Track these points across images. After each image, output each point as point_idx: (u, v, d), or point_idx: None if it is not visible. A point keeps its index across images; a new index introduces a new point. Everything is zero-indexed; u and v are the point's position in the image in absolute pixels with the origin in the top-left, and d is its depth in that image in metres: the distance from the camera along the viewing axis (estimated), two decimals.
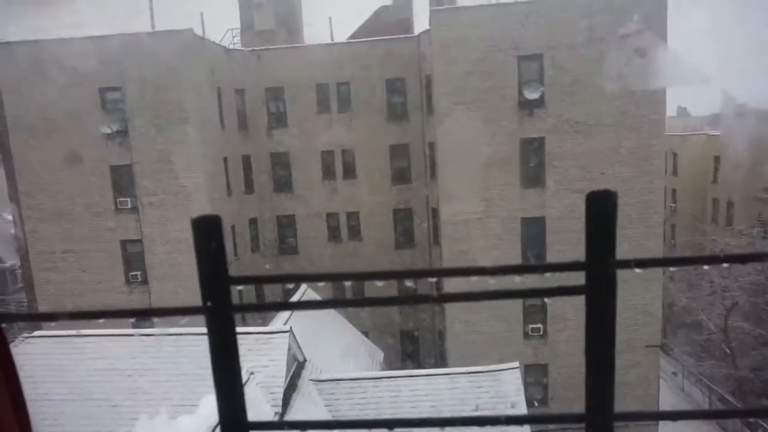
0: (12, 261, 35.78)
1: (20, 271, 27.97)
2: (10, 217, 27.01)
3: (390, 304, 1.18)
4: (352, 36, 28.15)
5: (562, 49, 20.12)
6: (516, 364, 14.90)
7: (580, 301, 0.94)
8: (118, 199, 22.55)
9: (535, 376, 21.69)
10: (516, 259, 21.34)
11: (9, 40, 21.96)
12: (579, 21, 19.78)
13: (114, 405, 12.76)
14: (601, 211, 0.92)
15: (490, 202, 21.35)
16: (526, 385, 17.14)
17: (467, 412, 12.92)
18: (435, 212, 23.64)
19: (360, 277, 1.19)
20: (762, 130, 27.57)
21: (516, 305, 21.11)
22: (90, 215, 22.35)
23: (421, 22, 26.58)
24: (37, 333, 16.68)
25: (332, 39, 28.40)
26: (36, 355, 14.76)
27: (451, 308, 21.74)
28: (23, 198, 22.76)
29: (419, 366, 24.33)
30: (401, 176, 26.03)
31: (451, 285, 16.10)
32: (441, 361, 23.58)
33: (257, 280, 1.21)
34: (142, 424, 12.37)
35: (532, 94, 20.67)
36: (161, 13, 25.83)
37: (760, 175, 28.67)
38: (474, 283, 1.11)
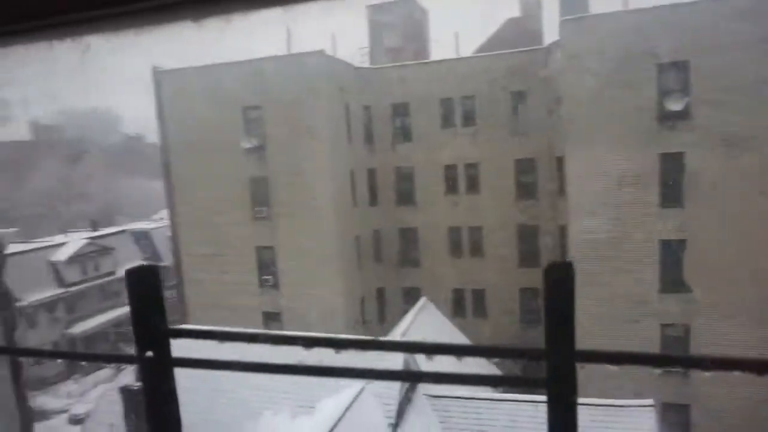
0: (168, 261, 40.30)
1: (174, 270, 31.39)
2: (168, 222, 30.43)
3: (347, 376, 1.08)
4: (479, 50, 27.97)
5: (711, 55, 18.20)
6: (651, 401, 13.58)
7: None
8: (255, 209, 24.48)
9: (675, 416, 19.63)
10: (654, 284, 19.62)
11: (168, 68, 24.95)
12: (731, 23, 17.78)
13: (242, 399, 13.73)
14: (560, 288, 0.77)
15: (624, 221, 19.83)
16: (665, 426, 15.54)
17: None
18: (563, 230, 22.51)
19: (307, 341, 1.10)
20: None
21: None
22: (231, 222, 24.49)
23: (551, 33, 25.69)
24: (182, 327, 18.58)
25: (458, 54, 28.42)
26: (180, 347, 16.43)
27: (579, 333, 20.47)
28: (177, 206, 25.62)
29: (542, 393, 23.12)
30: (527, 191, 25.20)
31: None
32: None
33: (198, 335, 1.18)
34: (266, 420, 13.20)
35: (674, 105, 18.93)
36: (297, 35, 27.74)
37: None
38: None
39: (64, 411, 29.43)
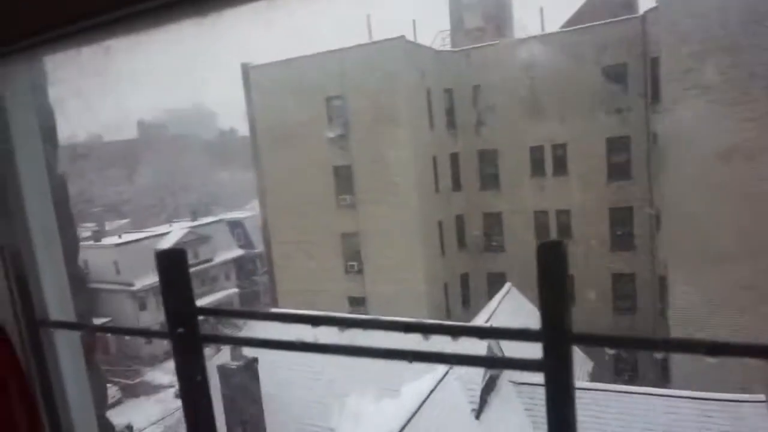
0: (260, 249, 42.35)
1: (265, 257, 32.93)
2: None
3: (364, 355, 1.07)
4: (566, 24, 26.58)
5: None
6: (762, 396, 12.39)
7: None
8: (339, 197, 25.02)
9: None
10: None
11: (258, 63, 25.98)
12: None
13: (329, 380, 14.17)
14: (553, 268, 0.75)
15: (731, 202, 18.14)
16: None
17: None
18: (659, 212, 21.03)
19: (349, 323, 1.08)
20: None
21: None
22: (316, 210, 25.22)
23: (646, 1, 23.87)
24: (274, 310, 19.49)
25: (543, 29, 27.21)
26: (271, 328, 17.24)
27: (676, 316, 19.14)
28: (267, 195, 26.78)
29: (634, 384, 21.91)
30: (619, 172, 23.75)
31: None
32: (662, 380, 20.91)
33: (225, 313, 1.23)
34: (352, 401, 13.53)
35: None
36: (378, 22, 27.82)
37: None
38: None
39: (172, 386, 31.96)
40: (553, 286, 0.78)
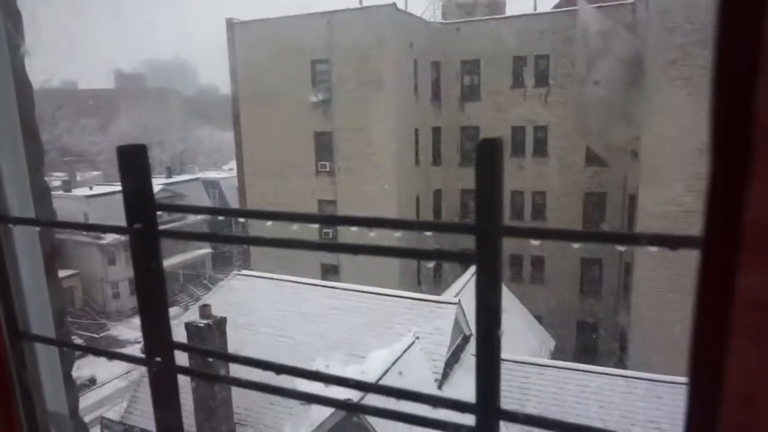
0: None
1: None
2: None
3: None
4: (557, 6, 26.43)
5: None
6: None
7: None
8: (319, 162, 24.80)
9: None
10: None
11: (242, 19, 25.25)
12: None
13: (297, 344, 14.28)
14: (489, 164, 0.79)
15: (701, 194, 18.54)
16: None
17: (640, 423, 11.71)
18: (632, 199, 21.42)
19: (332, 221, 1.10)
20: None
21: None
22: (295, 175, 24.99)
23: None
24: (245, 272, 19.42)
25: (535, 9, 27.03)
26: (242, 290, 17.24)
27: (639, 302, 19.72)
28: (245, 157, 26.37)
29: (593, 363, 22.66)
30: (597, 157, 24.04)
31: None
32: (621, 363, 21.64)
33: (182, 209, 1.23)
34: (318, 365, 13.69)
35: None
36: None
37: None
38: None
39: (138, 342, 31.84)
40: (488, 181, 0.82)
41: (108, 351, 1.37)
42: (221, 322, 12.84)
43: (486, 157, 0.81)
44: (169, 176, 46.78)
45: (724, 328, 0.56)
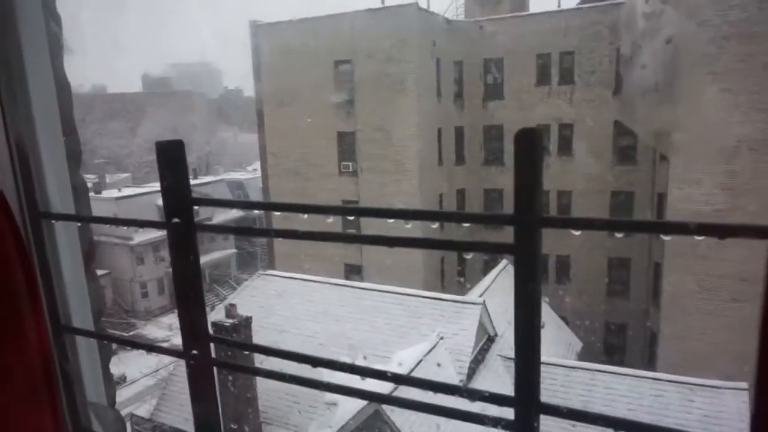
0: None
1: (265, 219, 32.98)
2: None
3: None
4: (582, 2, 26.06)
5: None
6: (744, 384, 12.59)
7: None
8: (341, 163, 24.89)
9: None
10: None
11: (266, 21, 25.51)
12: None
13: (320, 343, 14.35)
14: (528, 154, 0.78)
15: (736, 192, 18.07)
16: None
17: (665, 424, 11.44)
18: (661, 198, 20.98)
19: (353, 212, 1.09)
20: None
21: None
22: (318, 175, 25.12)
23: None
24: (270, 272, 19.60)
25: (559, 5, 26.68)
26: (267, 289, 17.41)
27: (669, 303, 19.31)
28: (269, 158, 26.62)
29: (622, 365, 22.26)
30: (625, 156, 23.63)
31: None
32: (650, 365, 21.21)
33: (218, 203, 1.27)
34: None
35: None
36: None
37: None
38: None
39: (166, 340, 32.40)
40: (527, 171, 0.81)
41: (147, 344, 1.40)
42: (247, 321, 13.00)
43: (525, 147, 0.81)
44: (194, 177, 47.49)
45: None
